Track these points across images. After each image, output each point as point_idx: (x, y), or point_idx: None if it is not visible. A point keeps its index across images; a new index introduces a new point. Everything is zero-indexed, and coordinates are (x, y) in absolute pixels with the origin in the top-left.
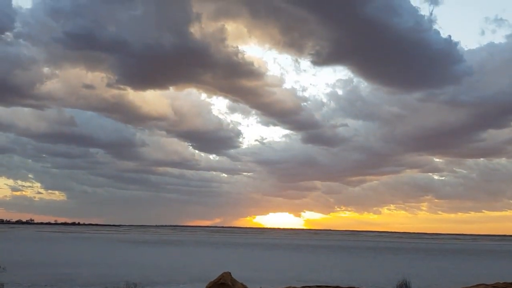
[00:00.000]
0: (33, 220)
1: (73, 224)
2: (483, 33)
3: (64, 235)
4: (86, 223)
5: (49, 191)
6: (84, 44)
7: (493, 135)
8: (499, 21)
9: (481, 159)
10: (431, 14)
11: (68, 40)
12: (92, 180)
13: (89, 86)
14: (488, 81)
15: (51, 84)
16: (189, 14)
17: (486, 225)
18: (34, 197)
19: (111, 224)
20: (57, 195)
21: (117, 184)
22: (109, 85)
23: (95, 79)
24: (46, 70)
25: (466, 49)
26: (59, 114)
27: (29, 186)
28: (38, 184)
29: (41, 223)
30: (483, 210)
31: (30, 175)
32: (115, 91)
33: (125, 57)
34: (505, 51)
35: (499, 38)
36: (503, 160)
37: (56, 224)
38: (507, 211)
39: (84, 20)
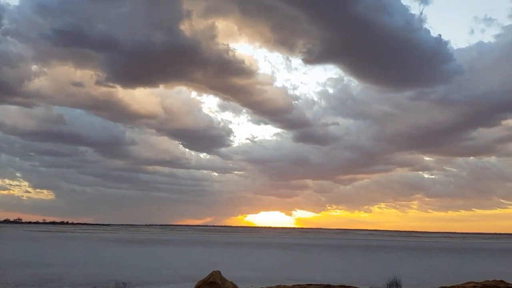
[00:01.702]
0: (21, 220)
1: (62, 223)
2: (472, 32)
3: (52, 235)
4: (75, 222)
5: (37, 190)
6: (72, 41)
7: (483, 133)
8: (488, 20)
9: (471, 157)
10: (421, 13)
11: (56, 37)
12: (81, 179)
13: (78, 84)
14: (478, 80)
15: (39, 81)
16: (179, 11)
17: (476, 223)
18: (22, 196)
19: (101, 223)
20: (46, 194)
21: (107, 183)
22: (98, 82)
23: (84, 76)
24: (34, 67)
25: (455, 48)
26: (48, 112)
27: (17, 185)
28: (26, 183)
29: (29, 223)
30: (473, 209)
31: (17, 174)
32: (104, 89)
33: (114, 55)
34: (494, 50)
35: (488, 37)
36: (493, 159)
37: (44, 223)
38: (496, 209)
39: (72, 17)
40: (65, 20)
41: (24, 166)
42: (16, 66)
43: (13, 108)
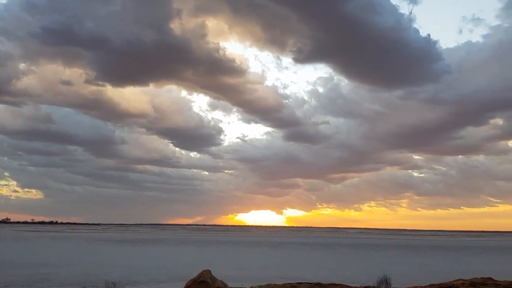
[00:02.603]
0: (9, 219)
1: (51, 223)
2: (460, 32)
3: (41, 234)
4: (64, 222)
5: (26, 189)
6: (61, 40)
7: (472, 132)
8: (476, 20)
9: (460, 156)
10: (410, 13)
11: (45, 35)
12: (70, 178)
13: (66, 83)
14: (467, 79)
15: (28, 80)
16: (169, 9)
17: (464, 221)
18: (10, 195)
19: (90, 223)
20: (34, 194)
21: (96, 182)
22: (87, 81)
23: (73, 75)
24: (22, 66)
25: (444, 47)
26: (36, 110)
27: (5, 185)
28: (14, 182)
29: (18, 222)
30: (462, 207)
31: (6, 173)
32: (93, 88)
33: (104, 53)
34: (482, 50)
35: (476, 37)
36: (481, 157)
37: (33, 223)
38: (485, 207)
39: (61, 14)
40: (53, 18)
41: (12, 166)
42: (4, 65)
43: (1, 107)
